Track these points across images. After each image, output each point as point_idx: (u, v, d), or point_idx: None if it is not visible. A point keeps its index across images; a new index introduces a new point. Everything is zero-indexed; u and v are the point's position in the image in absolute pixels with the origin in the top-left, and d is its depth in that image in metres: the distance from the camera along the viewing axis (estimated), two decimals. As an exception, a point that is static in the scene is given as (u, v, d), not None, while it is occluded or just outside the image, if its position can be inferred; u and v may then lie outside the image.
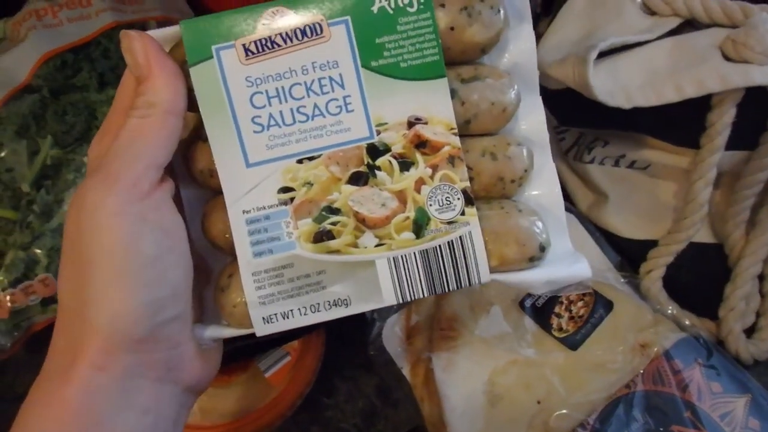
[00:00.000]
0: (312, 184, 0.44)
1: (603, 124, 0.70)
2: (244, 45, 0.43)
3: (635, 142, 0.70)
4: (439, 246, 0.44)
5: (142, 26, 0.76)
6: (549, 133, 0.49)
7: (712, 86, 0.57)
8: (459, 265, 0.45)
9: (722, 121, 0.60)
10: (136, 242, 0.40)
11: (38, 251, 0.68)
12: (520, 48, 0.47)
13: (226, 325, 0.47)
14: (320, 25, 0.43)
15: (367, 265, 0.44)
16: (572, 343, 0.65)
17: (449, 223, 0.44)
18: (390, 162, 0.44)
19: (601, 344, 0.65)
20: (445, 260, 0.45)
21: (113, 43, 0.74)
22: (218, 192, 0.45)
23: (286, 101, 0.44)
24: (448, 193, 0.44)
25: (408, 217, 0.44)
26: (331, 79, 0.43)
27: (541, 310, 0.67)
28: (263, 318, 0.45)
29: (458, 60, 0.45)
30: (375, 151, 0.44)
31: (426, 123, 0.44)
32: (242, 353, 0.70)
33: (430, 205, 0.44)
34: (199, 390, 0.47)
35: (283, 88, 0.43)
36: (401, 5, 0.43)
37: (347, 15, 0.43)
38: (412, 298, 0.45)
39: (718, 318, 0.69)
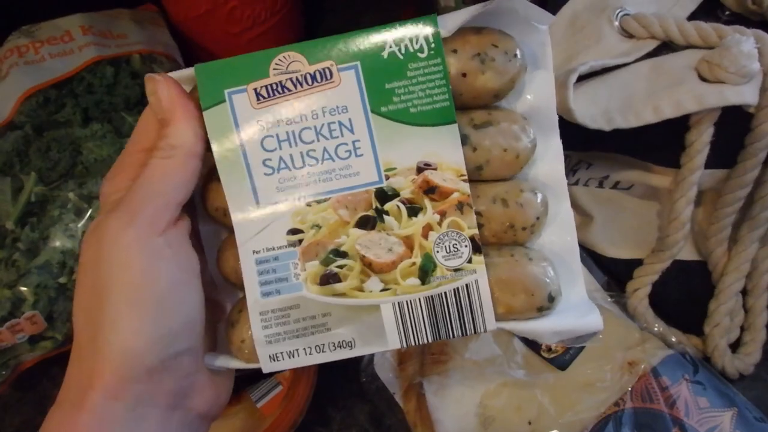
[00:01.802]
0: (320, 227, 0.44)
1: (585, 146, 0.70)
2: (255, 89, 0.43)
3: (618, 164, 0.71)
4: (445, 293, 0.44)
5: (126, 60, 0.76)
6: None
7: (689, 106, 0.58)
8: (464, 313, 0.44)
9: (701, 140, 0.61)
10: (151, 275, 0.41)
11: (24, 289, 0.67)
12: (539, 91, 0.46)
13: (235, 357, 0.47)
14: (330, 71, 0.43)
15: (372, 309, 0.44)
16: (561, 363, 0.66)
17: (455, 270, 0.44)
18: (398, 207, 0.44)
19: (589, 363, 0.66)
20: (450, 307, 0.44)
21: (96, 77, 0.73)
22: (232, 229, 0.45)
23: (296, 145, 0.44)
24: (455, 240, 0.44)
25: (414, 263, 0.44)
26: (340, 123, 0.43)
27: (530, 331, 0.68)
28: (269, 356, 0.45)
29: (472, 105, 0.45)
30: (383, 195, 0.44)
31: (435, 169, 0.43)
32: (235, 384, 0.69)
33: (437, 251, 0.44)
34: (212, 416, 0.48)
35: (293, 131, 0.44)
36: (412, 51, 0.43)
37: (357, 60, 0.43)
38: (417, 343, 0.45)
39: (703, 334, 0.70)
